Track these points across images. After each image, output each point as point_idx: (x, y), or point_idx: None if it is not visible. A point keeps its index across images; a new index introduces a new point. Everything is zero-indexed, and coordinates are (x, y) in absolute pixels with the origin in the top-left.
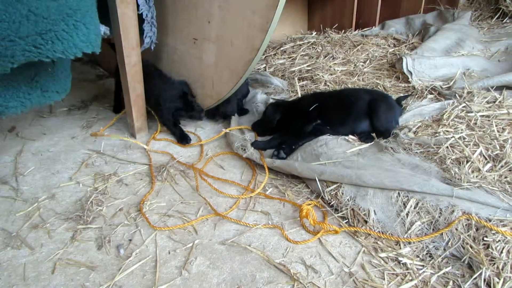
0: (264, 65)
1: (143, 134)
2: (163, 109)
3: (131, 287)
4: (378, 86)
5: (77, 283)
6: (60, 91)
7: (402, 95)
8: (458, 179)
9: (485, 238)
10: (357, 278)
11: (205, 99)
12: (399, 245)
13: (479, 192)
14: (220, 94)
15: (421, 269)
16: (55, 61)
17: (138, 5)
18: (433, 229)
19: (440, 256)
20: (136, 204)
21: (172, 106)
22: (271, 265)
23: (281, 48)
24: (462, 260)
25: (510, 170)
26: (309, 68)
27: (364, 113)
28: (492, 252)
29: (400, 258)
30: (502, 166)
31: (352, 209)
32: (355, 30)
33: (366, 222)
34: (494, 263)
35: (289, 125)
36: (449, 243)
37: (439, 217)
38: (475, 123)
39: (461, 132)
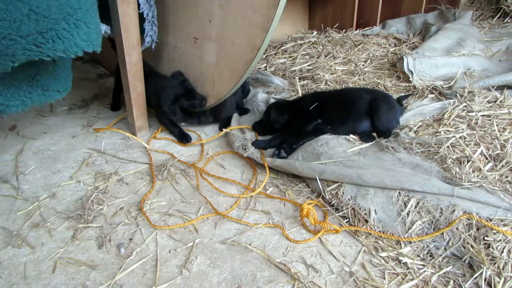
0: (265, 65)
1: (144, 133)
2: (163, 99)
3: (132, 286)
4: (379, 86)
5: (78, 282)
6: (61, 90)
7: (402, 94)
8: (459, 178)
9: (485, 238)
10: (357, 277)
11: (206, 98)
12: (400, 244)
13: (480, 192)
14: (220, 94)
15: (422, 268)
16: (56, 60)
17: (138, 4)
18: (433, 229)
19: (440, 255)
20: (137, 203)
21: (172, 93)
22: (271, 264)
23: (282, 48)
24: (462, 260)
25: (511, 170)
26: (310, 67)
27: (365, 113)
28: (492, 252)
29: (400, 258)
30: (503, 166)
31: (353, 208)
32: (356, 30)
33: (366, 221)
34: (495, 263)
35: (290, 125)
36: (450, 242)
37: (440, 216)
38: (476, 123)
39: (462, 132)
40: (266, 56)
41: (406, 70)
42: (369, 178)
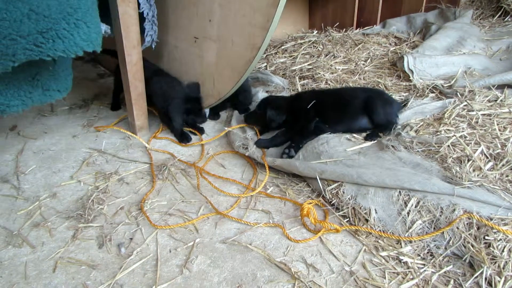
0: (265, 64)
1: (144, 132)
2: (173, 108)
3: (132, 285)
4: (379, 85)
5: (78, 282)
6: (61, 90)
7: (403, 99)
8: (459, 177)
9: (486, 237)
10: (358, 277)
11: (206, 98)
12: (400, 244)
13: (480, 191)
14: (221, 93)
15: (422, 268)
16: (56, 59)
17: (139, 4)
18: (434, 228)
19: (441, 255)
20: (137, 203)
21: (182, 106)
22: (272, 263)
23: (282, 47)
24: (463, 259)
25: (511, 169)
26: (310, 66)
27: (361, 111)
28: (493, 251)
29: (401, 257)
30: (503, 165)
31: (353, 208)
32: (356, 29)
33: (367, 221)
34: (495, 262)
35: (291, 123)
36: (450, 242)
37: (440, 216)
38: (477, 122)
39: (463, 131)
40: (266, 56)
41: (406, 69)
42: (369, 177)
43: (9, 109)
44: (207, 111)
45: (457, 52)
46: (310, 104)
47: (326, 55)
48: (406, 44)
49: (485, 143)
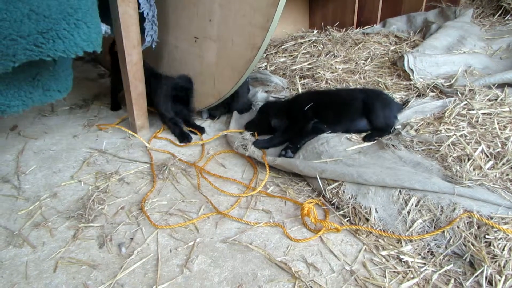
0: (265, 64)
1: (145, 132)
2: (159, 95)
3: (133, 285)
4: (380, 84)
5: (79, 282)
6: (62, 90)
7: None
8: (459, 177)
9: (486, 236)
10: (358, 276)
11: (207, 97)
12: (401, 243)
13: (481, 190)
14: (221, 93)
15: (423, 267)
16: (56, 60)
17: (139, 4)
18: (434, 227)
19: (441, 254)
20: (138, 203)
21: (169, 93)
22: (272, 263)
23: (282, 47)
24: (463, 258)
25: (511, 168)
26: (310, 66)
27: (359, 113)
28: (493, 250)
29: (401, 256)
30: (503, 164)
31: (354, 207)
32: (356, 28)
33: (367, 220)
34: (496, 261)
35: (289, 124)
36: (451, 241)
37: (441, 215)
38: (477, 121)
39: (463, 130)
40: (266, 55)
41: (406, 68)
42: (369, 176)
43: (10, 109)
44: (206, 112)
45: (457, 51)
46: (308, 106)
47: (326, 55)
48: (406, 43)
49: (486, 142)
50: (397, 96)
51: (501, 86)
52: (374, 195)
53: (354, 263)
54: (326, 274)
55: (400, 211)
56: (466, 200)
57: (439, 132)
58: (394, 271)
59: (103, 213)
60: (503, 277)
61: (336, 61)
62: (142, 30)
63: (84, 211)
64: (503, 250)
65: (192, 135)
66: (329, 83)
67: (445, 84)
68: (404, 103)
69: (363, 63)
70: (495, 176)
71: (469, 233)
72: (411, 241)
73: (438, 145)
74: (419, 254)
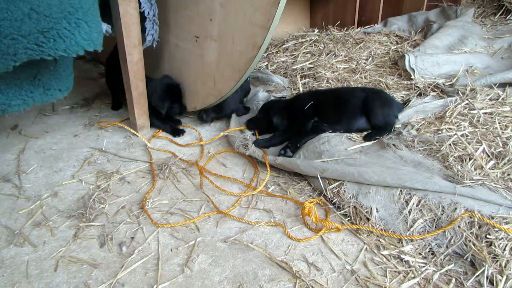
0: (266, 63)
1: (145, 131)
2: (153, 94)
3: (134, 284)
4: (381, 84)
5: (80, 281)
6: (63, 89)
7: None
8: (460, 176)
9: (487, 236)
10: (359, 275)
11: (207, 96)
12: (402, 242)
13: (482, 190)
14: (222, 92)
15: (424, 266)
16: (57, 59)
17: (140, 3)
18: (435, 227)
19: (442, 253)
20: (139, 202)
21: (161, 90)
22: (273, 262)
23: (283, 46)
24: (464, 258)
25: None
26: (311, 65)
27: (359, 111)
28: (494, 250)
29: (402, 256)
30: (505, 164)
31: (354, 206)
32: (357, 28)
33: (368, 219)
34: (497, 261)
35: (289, 124)
36: (452, 240)
37: (442, 214)
38: (478, 121)
39: (464, 130)
40: (267, 55)
41: (407, 68)
42: (370, 176)
43: (11, 109)
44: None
45: (458, 50)
46: (308, 105)
47: (327, 54)
48: (408, 43)
49: (487, 141)
50: (398, 96)
51: (503, 85)
52: (375, 194)
53: (355, 262)
54: (327, 274)
55: (401, 211)
56: (467, 199)
57: (440, 132)
58: (395, 271)
59: (103, 212)
60: (504, 277)
61: (337, 61)
62: (143, 29)
63: (85, 210)
64: (504, 250)
65: (192, 135)
66: (330, 83)
67: (446, 84)
68: (405, 103)
69: (364, 63)
70: (496, 175)
71: (470, 233)
72: (412, 240)
73: (439, 145)
74: (420, 254)
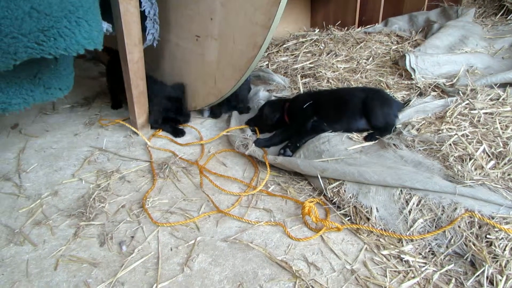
0: (267, 62)
1: (146, 131)
2: (153, 106)
3: (133, 283)
4: (381, 84)
5: (80, 280)
6: (63, 88)
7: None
8: (461, 176)
9: (488, 236)
10: (359, 275)
11: (208, 96)
12: (402, 242)
13: (482, 190)
14: (222, 91)
15: (424, 266)
16: (57, 58)
17: (140, 2)
18: (435, 227)
19: (442, 253)
20: (139, 201)
21: (162, 104)
22: (273, 262)
23: (284, 45)
24: (464, 258)
25: None
26: (312, 65)
27: (359, 111)
28: (495, 250)
29: (402, 256)
30: (505, 164)
31: (355, 206)
32: (358, 27)
33: (368, 219)
34: (497, 261)
35: (289, 123)
36: (452, 240)
37: (442, 214)
38: (478, 121)
39: (464, 130)
40: (268, 54)
41: (408, 67)
42: (370, 176)
43: (11, 107)
44: (207, 111)
45: (459, 50)
46: (307, 104)
47: (328, 54)
48: (408, 43)
49: (487, 141)
50: (399, 96)
51: (503, 85)
52: (375, 194)
53: (355, 262)
54: (326, 273)
55: (401, 211)
56: (468, 199)
57: (440, 132)
58: (395, 271)
59: (104, 211)
60: (504, 277)
61: (338, 60)
62: (144, 28)
63: (85, 209)
64: (504, 250)
65: (192, 134)
66: (331, 82)
67: (447, 84)
68: (406, 103)
69: (365, 62)
70: (497, 176)
71: (470, 233)
72: (412, 240)
73: (440, 145)
74: (420, 254)
